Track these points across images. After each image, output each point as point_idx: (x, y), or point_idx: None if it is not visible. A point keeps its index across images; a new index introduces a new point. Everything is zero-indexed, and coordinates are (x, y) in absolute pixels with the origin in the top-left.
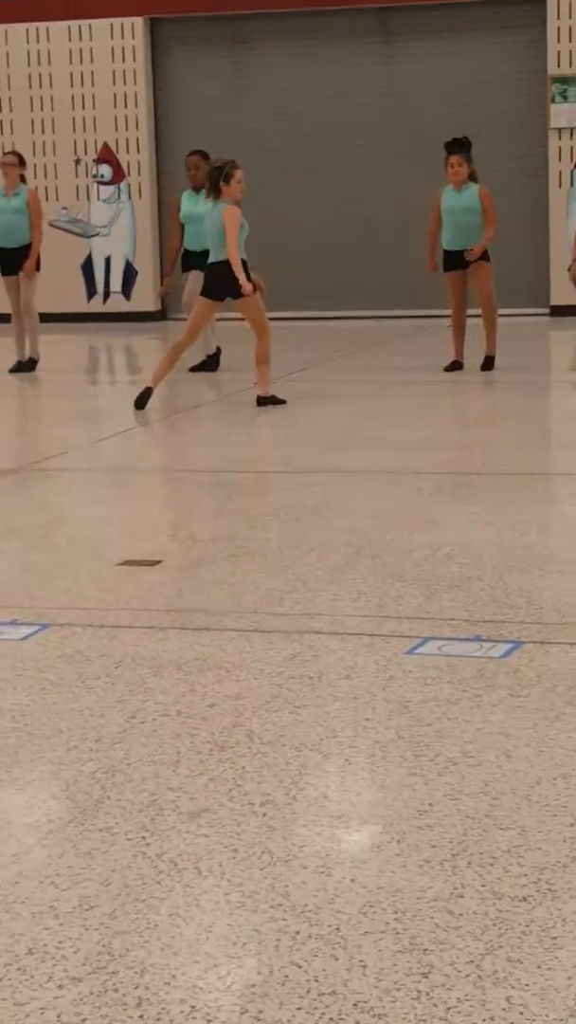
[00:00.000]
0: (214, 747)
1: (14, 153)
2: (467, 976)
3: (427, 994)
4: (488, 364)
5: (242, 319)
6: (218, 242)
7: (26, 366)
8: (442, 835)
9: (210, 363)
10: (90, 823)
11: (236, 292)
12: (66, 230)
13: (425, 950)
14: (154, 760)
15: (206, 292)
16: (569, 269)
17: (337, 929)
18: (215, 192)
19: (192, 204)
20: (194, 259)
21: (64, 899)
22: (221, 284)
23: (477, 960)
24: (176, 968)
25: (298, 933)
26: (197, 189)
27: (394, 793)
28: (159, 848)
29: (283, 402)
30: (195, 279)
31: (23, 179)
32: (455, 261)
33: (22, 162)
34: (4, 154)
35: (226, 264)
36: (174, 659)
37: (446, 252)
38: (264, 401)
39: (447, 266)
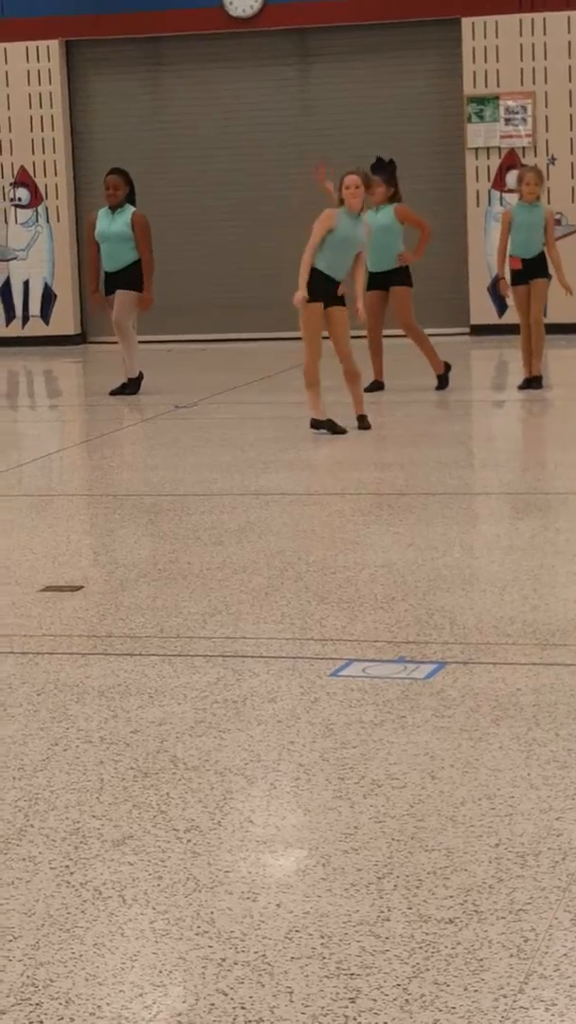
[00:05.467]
0: (138, 773)
1: (117, 170)
2: (394, 1000)
3: (354, 1019)
4: (442, 382)
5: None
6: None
7: (129, 388)
8: (368, 858)
9: (131, 386)
10: (13, 852)
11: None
12: None
13: (352, 975)
14: (77, 787)
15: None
16: (498, 286)
17: (263, 955)
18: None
19: (107, 223)
20: (112, 281)
21: None
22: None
23: (404, 984)
24: (101, 998)
25: (224, 960)
26: (115, 209)
27: (319, 816)
28: (83, 876)
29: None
30: (119, 299)
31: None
32: (371, 280)
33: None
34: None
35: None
36: (97, 685)
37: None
38: (318, 425)
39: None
